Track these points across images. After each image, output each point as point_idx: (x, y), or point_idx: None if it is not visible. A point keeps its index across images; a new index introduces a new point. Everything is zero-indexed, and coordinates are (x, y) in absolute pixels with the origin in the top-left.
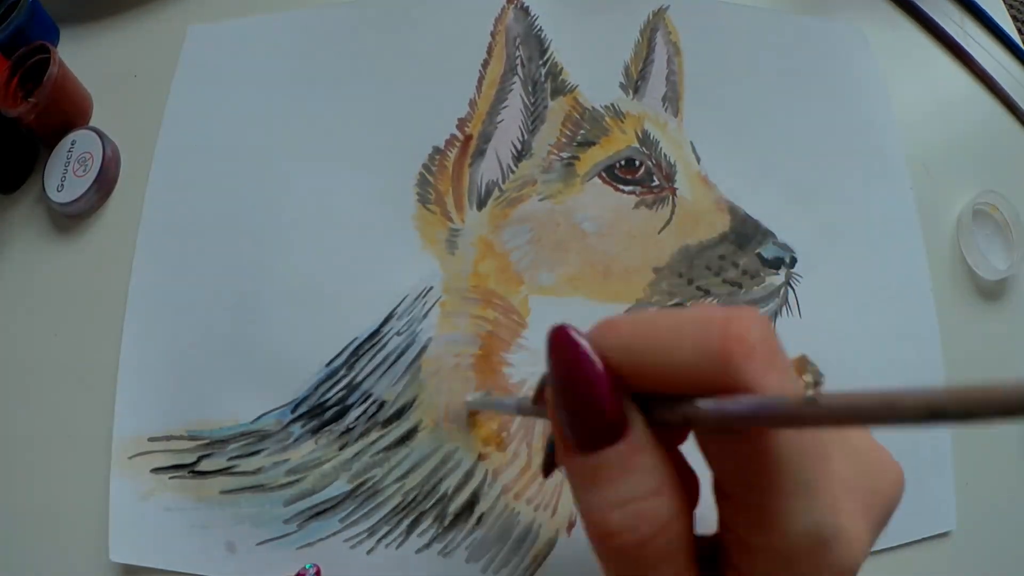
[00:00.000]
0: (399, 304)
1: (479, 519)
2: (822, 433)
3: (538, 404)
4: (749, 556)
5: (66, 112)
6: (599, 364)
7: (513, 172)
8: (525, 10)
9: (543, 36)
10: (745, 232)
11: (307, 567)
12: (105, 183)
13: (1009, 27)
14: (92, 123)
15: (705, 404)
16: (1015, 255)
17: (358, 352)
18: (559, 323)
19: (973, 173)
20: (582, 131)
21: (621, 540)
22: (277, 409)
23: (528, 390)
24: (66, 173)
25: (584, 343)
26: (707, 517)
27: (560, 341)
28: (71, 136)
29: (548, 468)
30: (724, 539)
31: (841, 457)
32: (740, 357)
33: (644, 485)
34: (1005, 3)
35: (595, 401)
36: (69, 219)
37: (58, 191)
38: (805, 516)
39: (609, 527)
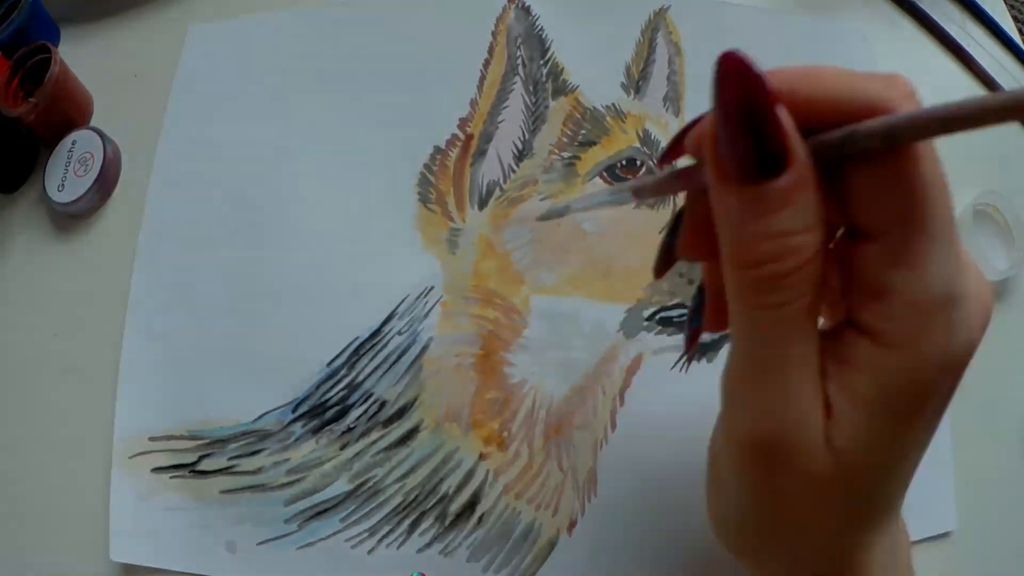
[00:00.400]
0: (400, 304)
1: (480, 519)
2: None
3: (666, 161)
4: (883, 305)
5: (67, 112)
6: (773, 86)
7: (514, 172)
8: (526, 10)
9: (544, 36)
10: None
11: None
12: (106, 183)
13: (1009, 27)
14: (93, 123)
15: (871, 122)
16: (1016, 256)
17: (359, 352)
18: (730, 49)
19: (973, 173)
20: (583, 131)
21: (767, 270)
22: (278, 409)
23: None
24: (67, 173)
25: (756, 67)
26: None
27: (732, 61)
28: (72, 136)
29: (665, 263)
30: (854, 297)
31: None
32: (901, 96)
33: (798, 220)
34: (1006, 3)
35: (766, 125)
36: (70, 219)
37: (59, 191)
38: (943, 264)
39: (758, 256)
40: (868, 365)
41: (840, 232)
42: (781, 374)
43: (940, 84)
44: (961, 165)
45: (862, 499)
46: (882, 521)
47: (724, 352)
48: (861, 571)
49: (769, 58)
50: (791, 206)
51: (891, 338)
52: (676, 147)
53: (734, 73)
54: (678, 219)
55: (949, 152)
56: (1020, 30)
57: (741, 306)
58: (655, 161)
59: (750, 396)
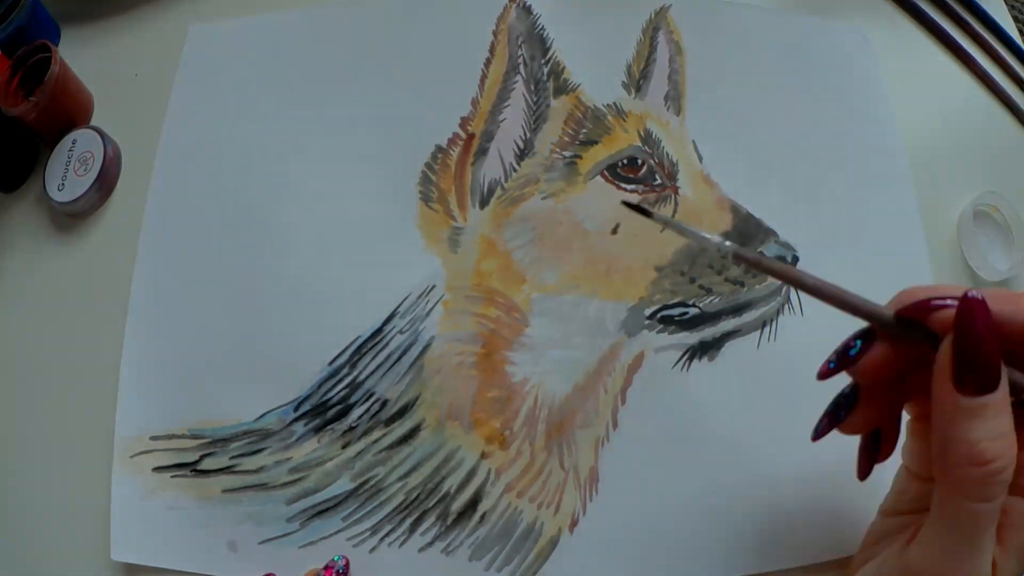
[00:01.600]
0: (402, 302)
1: (482, 517)
2: None
3: (901, 321)
4: None
5: (67, 111)
6: (996, 330)
7: (516, 171)
8: (527, 9)
9: (545, 35)
10: (747, 231)
11: (336, 559)
12: (106, 182)
13: (1010, 27)
14: (93, 122)
15: None
16: (1016, 256)
17: (361, 351)
18: (972, 292)
19: (974, 173)
20: (584, 130)
21: (994, 465)
22: (279, 408)
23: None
24: (67, 172)
25: (989, 311)
26: None
27: (974, 306)
28: (72, 135)
29: (834, 372)
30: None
31: None
32: None
33: (1009, 425)
34: (1006, 3)
35: (991, 356)
36: (70, 218)
37: (59, 190)
38: None
39: (987, 455)
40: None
41: None
42: (980, 555)
43: (940, 84)
44: (961, 165)
45: None
46: None
47: (725, 351)
48: None
49: (771, 57)
50: (1004, 413)
51: None
52: (918, 312)
53: (973, 312)
54: (864, 337)
55: (949, 152)
56: (1020, 30)
57: (960, 500)
58: (657, 163)
59: (942, 566)
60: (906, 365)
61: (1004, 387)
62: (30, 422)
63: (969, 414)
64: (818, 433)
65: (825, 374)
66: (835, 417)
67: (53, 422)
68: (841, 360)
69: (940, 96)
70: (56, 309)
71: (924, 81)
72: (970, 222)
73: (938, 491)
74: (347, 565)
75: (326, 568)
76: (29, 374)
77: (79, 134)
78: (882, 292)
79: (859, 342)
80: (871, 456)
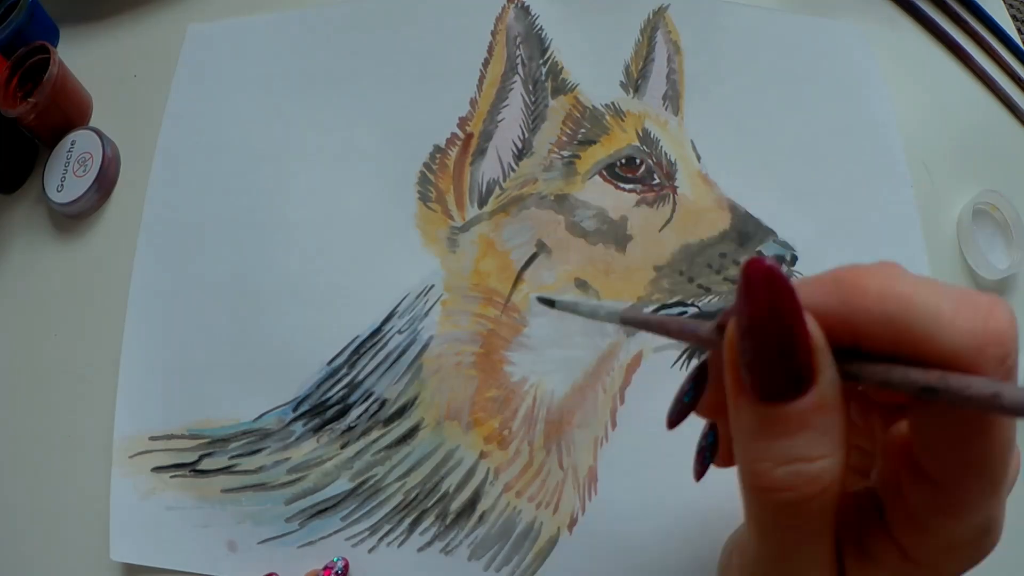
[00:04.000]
0: (400, 302)
1: (481, 517)
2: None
3: (714, 336)
4: (920, 536)
5: (66, 112)
6: (801, 303)
7: (514, 170)
8: (525, 9)
9: (543, 35)
10: (746, 230)
11: (335, 560)
12: (105, 183)
13: (1009, 27)
14: (92, 123)
15: (956, 380)
16: (1015, 255)
17: (359, 350)
18: (755, 257)
19: (973, 173)
20: (583, 130)
21: (779, 496)
22: (278, 408)
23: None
24: (66, 173)
25: (787, 278)
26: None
27: (761, 272)
28: (71, 136)
29: (679, 416)
30: (894, 515)
31: None
32: (994, 350)
33: (817, 447)
34: (1005, 3)
35: (792, 341)
36: (69, 219)
37: (58, 191)
38: (989, 511)
39: (771, 481)
40: (892, 570)
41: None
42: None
43: (939, 83)
44: (960, 164)
45: None
46: None
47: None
48: None
49: (770, 57)
50: (810, 430)
51: (920, 559)
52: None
53: (760, 283)
54: (699, 374)
55: (948, 151)
56: (1020, 30)
57: (757, 515)
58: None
59: None
60: None
61: (815, 395)
62: (29, 422)
63: (753, 428)
64: (699, 474)
65: (670, 426)
66: (703, 461)
67: (52, 422)
68: (679, 410)
69: (939, 95)
70: (55, 309)
71: (923, 80)
72: (969, 221)
73: (744, 508)
74: (346, 567)
75: (325, 569)
76: (28, 374)
77: (78, 135)
78: None
79: (691, 385)
80: (706, 460)
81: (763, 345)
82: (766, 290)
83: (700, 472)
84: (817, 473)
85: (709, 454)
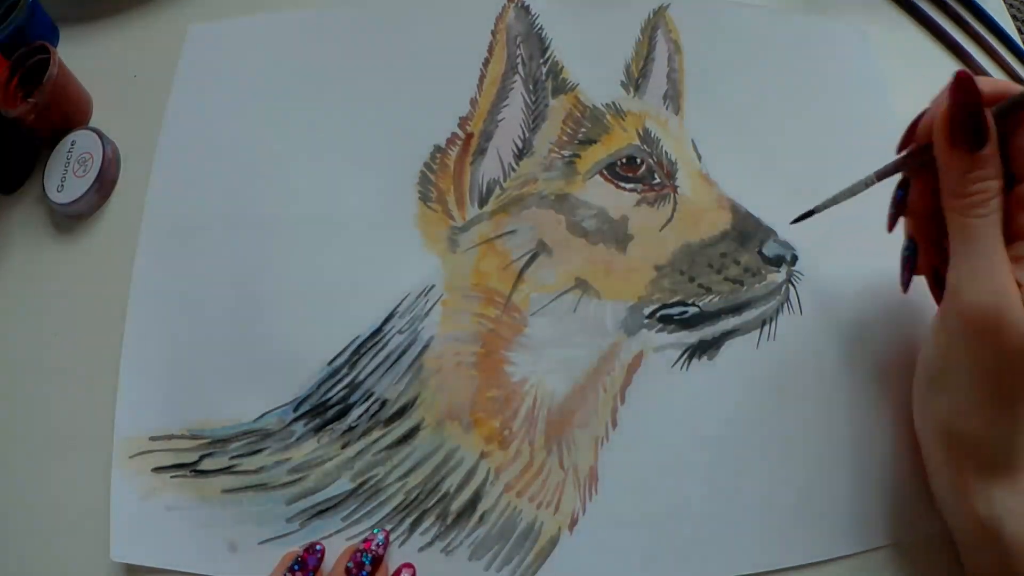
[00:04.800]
0: (401, 302)
1: (481, 517)
2: None
3: (903, 146)
4: None
5: (66, 112)
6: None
7: (514, 170)
8: (526, 9)
9: (544, 35)
10: (746, 230)
11: (375, 531)
12: (105, 183)
13: (1009, 27)
14: (92, 123)
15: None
16: None
17: (360, 351)
18: (962, 69)
19: None
20: (583, 129)
21: (975, 197)
22: (279, 408)
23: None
24: (66, 173)
25: (977, 85)
26: None
27: (967, 80)
28: (71, 136)
29: (895, 216)
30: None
31: None
32: None
33: (993, 171)
34: (1005, 3)
35: (982, 120)
36: (69, 219)
37: (58, 191)
38: None
39: (971, 190)
40: None
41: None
42: (991, 257)
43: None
44: None
45: None
46: None
47: (725, 350)
48: None
49: (770, 56)
50: (990, 165)
51: None
52: (910, 134)
53: (968, 88)
54: (904, 188)
55: None
56: (1020, 30)
57: (958, 218)
58: (656, 163)
59: (972, 274)
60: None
61: (991, 146)
62: (30, 423)
63: (959, 167)
64: (905, 284)
65: (891, 225)
66: (909, 268)
67: (52, 422)
68: (895, 208)
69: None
70: (55, 309)
71: (922, 80)
72: None
73: (947, 224)
74: (387, 538)
75: (365, 542)
76: (28, 375)
77: (78, 135)
78: (881, 288)
79: (900, 191)
80: (912, 267)
81: (966, 120)
82: (971, 91)
83: (907, 279)
84: (994, 184)
85: (913, 261)
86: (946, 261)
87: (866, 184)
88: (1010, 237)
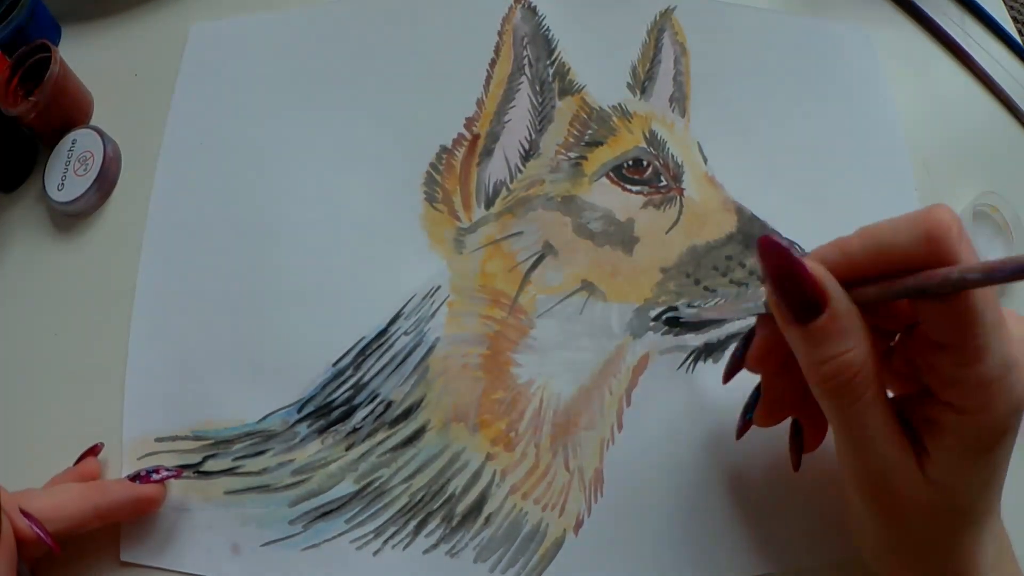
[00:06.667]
0: (406, 304)
1: (487, 519)
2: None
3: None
4: (957, 389)
5: (67, 111)
6: (797, 255)
7: (521, 172)
8: (532, 10)
9: (550, 36)
10: (752, 232)
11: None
12: (105, 182)
13: (1009, 27)
14: (93, 122)
15: (927, 275)
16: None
17: (365, 352)
18: (763, 235)
19: (973, 174)
20: (589, 131)
21: (831, 384)
22: (283, 409)
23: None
24: (66, 172)
25: (783, 242)
26: None
27: (766, 245)
28: (72, 135)
29: (732, 371)
30: (934, 380)
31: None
32: (943, 232)
33: (845, 342)
34: (1005, 3)
35: (801, 283)
36: (69, 218)
37: (58, 190)
38: (998, 350)
39: (822, 376)
40: (951, 426)
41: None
42: (869, 442)
43: (940, 84)
44: (961, 165)
45: (963, 512)
46: (984, 526)
47: (728, 353)
48: (975, 569)
49: (775, 59)
50: (835, 336)
51: (966, 408)
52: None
53: (768, 252)
54: (748, 338)
55: (949, 152)
56: (1020, 30)
57: (828, 403)
58: (662, 165)
59: (856, 463)
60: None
61: (830, 312)
62: (28, 423)
63: (799, 341)
64: (739, 432)
65: (725, 380)
66: (745, 414)
67: (52, 422)
68: (733, 364)
69: (940, 96)
70: (55, 309)
71: (924, 81)
72: (969, 222)
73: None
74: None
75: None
76: (27, 375)
77: (79, 134)
78: None
79: (742, 343)
80: (798, 448)
81: (782, 287)
82: (774, 255)
83: (741, 431)
84: (849, 361)
85: (751, 411)
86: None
87: (756, 311)
88: (919, 394)
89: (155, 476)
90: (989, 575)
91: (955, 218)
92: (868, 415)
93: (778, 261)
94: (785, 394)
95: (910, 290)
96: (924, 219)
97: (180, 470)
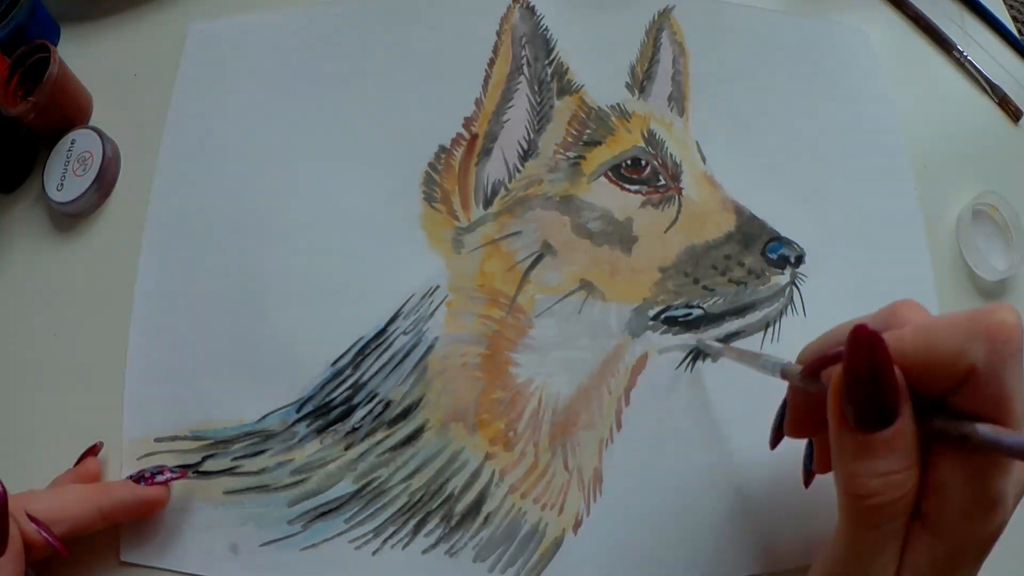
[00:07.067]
0: (405, 303)
1: (486, 519)
2: None
3: (805, 379)
4: (942, 516)
5: (66, 111)
6: (893, 361)
7: (519, 171)
8: (531, 10)
9: (549, 36)
10: (750, 232)
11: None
12: (105, 182)
13: (1010, 27)
14: (92, 122)
15: (983, 429)
16: (1015, 256)
17: (364, 351)
18: (859, 322)
19: (973, 174)
20: (588, 131)
21: (872, 501)
22: (282, 409)
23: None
24: (66, 172)
25: (885, 343)
26: None
27: (864, 337)
28: (71, 135)
29: (776, 440)
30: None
31: None
32: (1000, 342)
33: (900, 462)
34: (1005, 4)
35: (884, 392)
36: (69, 218)
37: (58, 190)
38: (1002, 492)
39: (866, 490)
40: (925, 548)
41: None
42: (868, 565)
43: (939, 85)
44: (960, 165)
45: None
46: None
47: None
48: None
49: (774, 58)
50: (897, 451)
51: (947, 536)
52: (816, 370)
53: (862, 343)
54: (783, 409)
55: (949, 152)
56: (1020, 31)
57: (848, 516)
58: (661, 165)
59: (847, 567)
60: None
61: (899, 426)
62: (32, 424)
63: (854, 450)
64: (806, 482)
65: (772, 447)
66: (807, 469)
67: (52, 423)
68: (774, 436)
69: (939, 97)
70: (55, 309)
71: (924, 82)
72: (969, 222)
73: (839, 512)
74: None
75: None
76: (27, 375)
77: (78, 134)
78: (883, 291)
79: (779, 413)
80: (810, 468)
81: (862, 389)
82: (870, 349)
83: (808, 479)
84: (902, 481)
85: (810, 461)
86: None
87: (781, 374)
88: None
89: (159, 477)
90: None
91: (1018, 324)
92: (887, 543)
93: (871, 357)
94: (809, 416)
95: (970, 437)
96: (984, 319)
97: (184, 471)
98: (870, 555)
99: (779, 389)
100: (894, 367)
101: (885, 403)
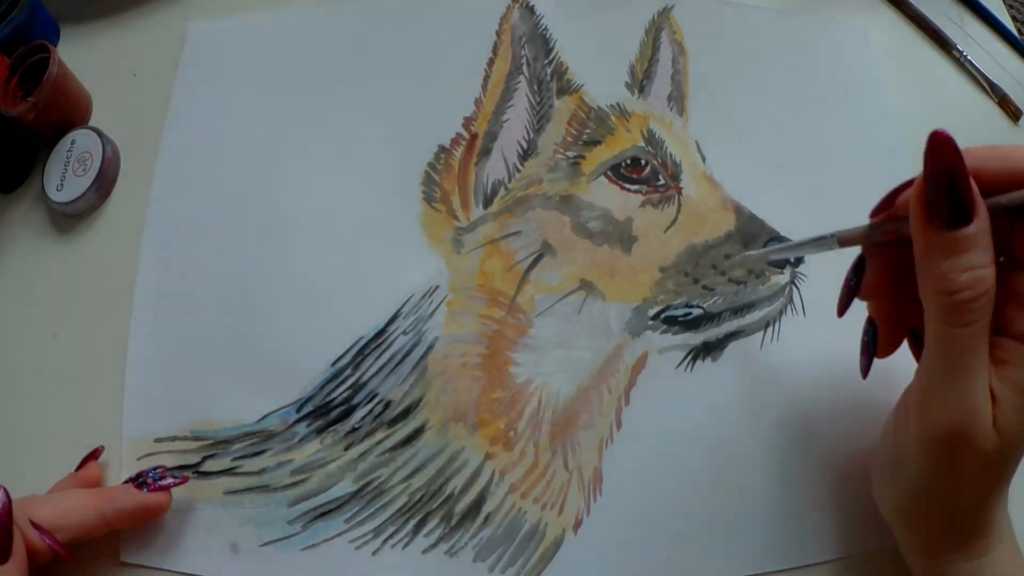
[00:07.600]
0: (405, 303)
1: (486, 519)
2: None
3: (877, 217)
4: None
5: (66, 111)
6: (963, 169)
7: (519, 171)
8: (530, 9)
9: (548, 35)
10: (750, 231)
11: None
12: (105, 182)
13: (1009, 27)
14: (92, 122)
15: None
16: None
17: (364, 351)
18: (938, 129)
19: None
20: (588, 130)
21: (961, 296)
22: (282, 409)
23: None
24: (66, 173)
25: (958, 146)
26: None
27: (943, 141)
28: (71, 135)
29: (846, 302)
30: (1009, 311)
31: None
32: None
33: (984, 257)
34: (1005, 4)
35: (963, 189)
36: (68, 219)
37: (57, 191)
38: None
39: (956, 285)
40: (1013, 357)
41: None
42: (969, 376)
43: (939, 85)
44: None
45: (1014, 464)
46: (1006, 492)
47: (729, 352)
48: (999, 529)
49: (773, 58)
50: (978, 247)
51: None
52: (887, 204)
53: (943, 147)
54: (859, 267)
55: None
56: (1020, 30)
57: (940, 325)
58: (660, 164)
59: (944, 395)
60: (897, 275)
61: (978, 224)
62: (32, 424)
63: (942, 247)
64: (864, 369)
65: (841, 310)
66: (868, 352)
67: (52, 423)
68: (847, 294)
69: (940, 97)
70: (54, 309)
71: (923, 82)
72: None
73: (925, 320)
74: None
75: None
76: (26, 375)
77: (78, 134)
78: None
79: (854, 273)
80: (871, 351)
81: (939, 188)
82: (950, 155)
83: (866, 365)
84: (985, 276)
85: (873, 345)
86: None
87: (828, 246)
88: (995, 330)
89: (162, 483)
90: (1006, 539)
91: None
92: (977, 342)
93: (949, 159)
94: (886, 272)
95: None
96: None
97: (186, 476)
98: (962, 355)
99: (779, 388)
100: (967, 170)
101: (964, 203)
